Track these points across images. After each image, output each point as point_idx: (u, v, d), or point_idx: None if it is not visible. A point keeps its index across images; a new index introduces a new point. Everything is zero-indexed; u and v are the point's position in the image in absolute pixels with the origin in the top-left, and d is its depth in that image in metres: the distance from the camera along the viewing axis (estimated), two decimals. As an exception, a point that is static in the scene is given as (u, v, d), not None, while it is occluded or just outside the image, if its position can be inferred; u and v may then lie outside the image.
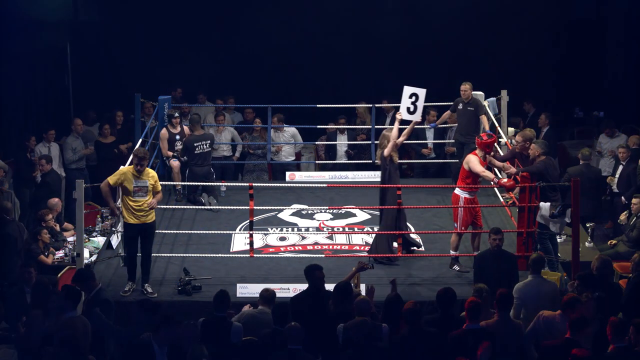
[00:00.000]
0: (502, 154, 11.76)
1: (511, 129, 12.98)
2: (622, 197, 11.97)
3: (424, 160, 13.86)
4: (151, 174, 9.67)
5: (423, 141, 13.79)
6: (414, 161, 14.02)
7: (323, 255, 10.47)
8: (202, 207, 12.01)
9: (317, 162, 14.31)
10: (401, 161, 14.22)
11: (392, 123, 14.18)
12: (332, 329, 7.64)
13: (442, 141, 13.76)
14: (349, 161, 13.93)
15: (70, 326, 7.49)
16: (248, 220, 10.39)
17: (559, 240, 10.74)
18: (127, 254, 9.89)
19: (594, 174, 12.19)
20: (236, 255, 10.72)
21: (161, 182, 9.96)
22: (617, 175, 12.29)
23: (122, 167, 9.94)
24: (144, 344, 7.17)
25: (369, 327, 7.29)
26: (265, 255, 10.71)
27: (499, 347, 7.35)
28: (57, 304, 7.79)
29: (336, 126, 14.04)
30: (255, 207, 10.28)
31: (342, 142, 13.96)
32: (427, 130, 13.67)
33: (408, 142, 14.11)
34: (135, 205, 9.56)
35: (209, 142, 12.32)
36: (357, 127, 14.13)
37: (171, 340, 7.25)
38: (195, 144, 12.22)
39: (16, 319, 8.26)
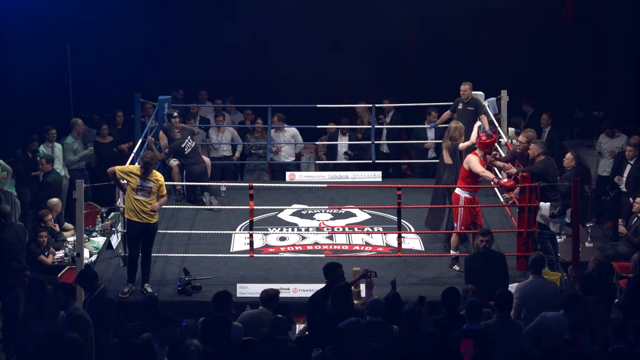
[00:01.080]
0: (502, 154, 11.75)
1: (512, 129, 12.97)
2: (630, 199, 11.84)
3: (424, 160, 13.87)
4: (157, 176, 9.69)
5: (424, 141, 13.80)
6: (414, 161, 14.03)
7: (323, 255, 10.47)
8: (202, 207, 12.00)
9: (317, 162, 14.31)
10: (401, 161, 14.31)
11: (391, 122, 14.23)
12: (334, 328, 7.61)
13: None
14: (349, 161, 13.92)
15: (79, 318, 7.52)
16: (248, 220, 10.39)
17: (559, 240, 10.73)
18: (128, 255, 9.89)
19: (584, 176, 12.21)
20: (236, 255, 10.72)
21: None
22: (625, 175, 12.20)
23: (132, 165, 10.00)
24: (145, 344, 7.17)
25: (361, 326, 7.20)
26: (265, 255, 10.71)
27: (499, 347, 7.35)
28: (54, 304, 7.75)
29: (337, 126, 14.03)
30: (255, 207, 10.28)
31: (343, 142, 13.95)
32: (428, 130, 13.68)
33: (409, 142, 14.19)
34: (139, 205, 9.57)
35: (189, 136, 12.29)
36: (357, 127, 14.13)
37: (171, 340, 7.25)
38: (182, 146, 12.19)
39: (11, 324, 8.25)
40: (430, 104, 13.54)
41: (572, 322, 7.28)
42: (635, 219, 10.92)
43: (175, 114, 12.62)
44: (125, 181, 9.64)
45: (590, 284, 8.28)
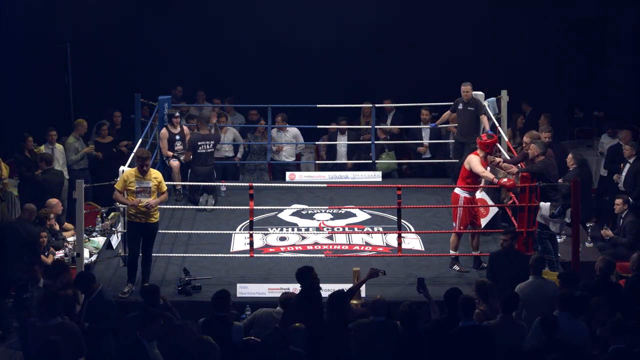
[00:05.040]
0: (504, 153, 11.67)
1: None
2: (629, 198, 11.81)
3: (420, 160, 13.88)
4: (155, 174, 9.67)
5: (419, 141, 13.80)
6: (411, 161, 14.03)
7: (323, 255, 10.47)
8: (197, 207, 11.98)
9: (317, 162, 14.31)
10: (400, 161, 14.30)
11: (393, 123, 14.22)
12: (328, 335, 7.58)
13: (438, 141, 13.74)
14: (349, 161, 13.91)
15: (44, 336, 7.24)
16: (248, 220, 10.39)
17: (559, 240, 10.73)
18: (128, 255, 9.89)
19: (588, 177, 12.18)
20: (236, 255, 10.72)
21: (161, 182, 9.94)
22: (623, 174, 12.14)
23: (124, 170, 9.96)
24: (134, 342, 7.13)
25: (372, 329, 7.15)
26: (265, 255, 10.70)
27: (501, 347, 7.35)
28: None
29: (337, 126, 14.03)
30: (255, 207, 10.28)
31: (342, 142, 13.95)
32: (423, 130, 13.69)
33: (407, 142, 14.18)
34: (140, 207, 9.55)
35: (212, 142, 12.32)
36: (358, 127, 14.12)
37: (158, 333, 7.19)
38: (199, 143, 12.22)
39: (19, 318, 8.28)
40: (430, 104, 13.53)
41: (543, 322, 7.27)
42: (622, 220, 10.93)
43: (177, 114, 12.63)
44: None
45: (574, 280, 8.27)
